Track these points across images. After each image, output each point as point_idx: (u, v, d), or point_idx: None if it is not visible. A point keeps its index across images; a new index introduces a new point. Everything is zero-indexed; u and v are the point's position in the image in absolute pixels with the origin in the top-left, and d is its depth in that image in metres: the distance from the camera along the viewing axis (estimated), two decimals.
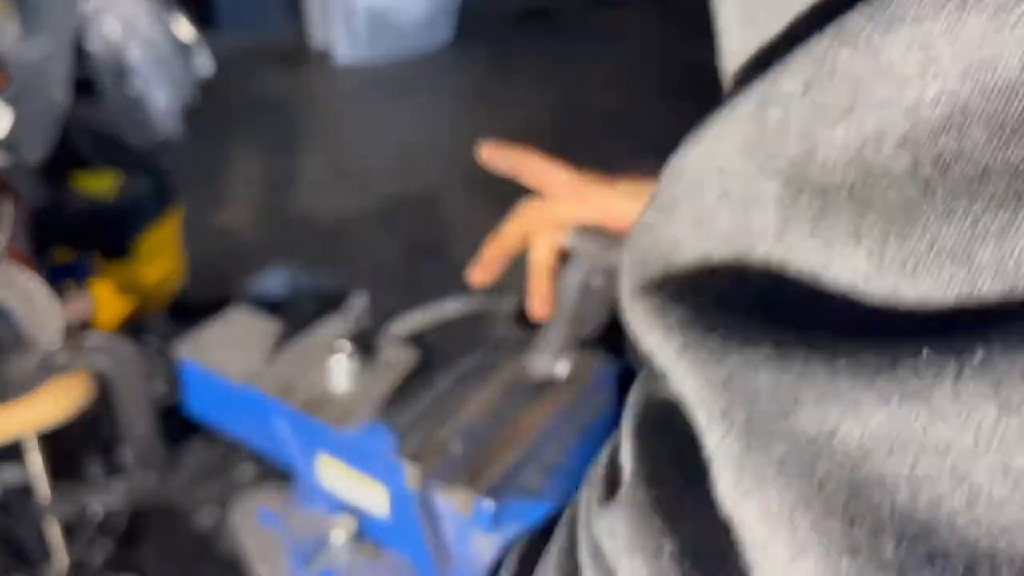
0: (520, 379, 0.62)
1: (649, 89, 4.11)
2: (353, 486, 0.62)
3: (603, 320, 0.65)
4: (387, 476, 0.59)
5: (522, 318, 0.67)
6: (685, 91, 4.06)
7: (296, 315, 1.71)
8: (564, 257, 0.65)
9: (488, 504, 0.53)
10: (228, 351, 0.66)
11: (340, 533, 0.63)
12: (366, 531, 0.64)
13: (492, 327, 0.69)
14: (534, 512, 0.57)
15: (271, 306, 1.74)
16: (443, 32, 4.40)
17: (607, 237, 0.62)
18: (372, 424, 0.58)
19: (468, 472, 0.54)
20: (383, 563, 0.65)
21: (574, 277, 0.63)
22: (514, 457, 0.56)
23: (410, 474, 0.54)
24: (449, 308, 0.65)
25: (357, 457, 0.60)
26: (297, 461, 0.64)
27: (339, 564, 0.64)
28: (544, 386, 0.62)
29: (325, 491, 0.65)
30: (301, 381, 0.61)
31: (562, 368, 0.62)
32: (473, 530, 0.60)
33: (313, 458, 0.63)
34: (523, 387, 0.62)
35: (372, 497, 0.62)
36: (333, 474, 0.63)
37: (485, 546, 0.61)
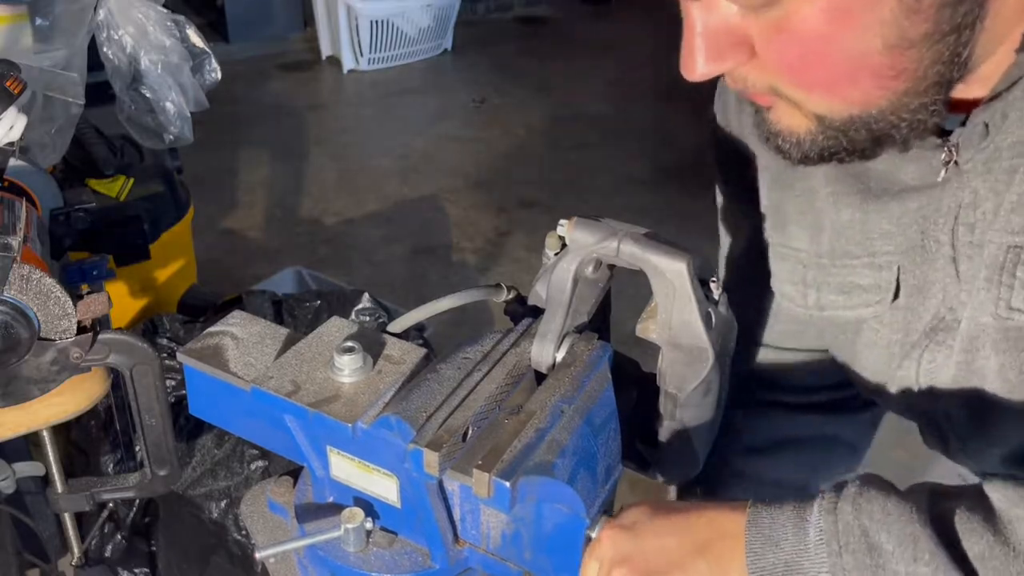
0: (523, 367, 0.65)
1: (641, 95, 4.13)
2: (363, 478, 0.64)
3: (596, 307, 0.68)
4: (397, 466, 0.61)
5: (517, 310, 0.70)
6: (675, 97, 4.08)
7: (303, 313, 1.74)
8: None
9: (506, 485, 0.55)
10: (232, 354, 0.68)
11: (351, 523, 0.64)
12: (377, 520, 0.66)
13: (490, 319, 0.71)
14: (546, 490, 0.60)
15: (279, 304, 1.77)
16: (444, 41, 4.44)
17: (600, 228, 0.65)
18: (382, 418, 0.60)
19: (483, 456, 0.56)
20: (395, 551, 0.67)
21: (568, 268, 0.66)
22: (524, 440, 0.58)
23: (428, 461, 0.56)
24: (447, 301, 0.68)
25: (367, 450, 0.62)
26: (308, 458, 0.66)
27: (350, 554, 0.66)
28: (546, 372, 0.65)
29: (335, 484, 0.67)
30: (309, 379, 0.62)
31: (561, 354, 0.65)
32: (485, 511, 0.63)
33: (324, 454, 0.65)
34: (526, 374, 0.65)
35: (382, 487, 0.64)
36: (344, 467, 0.65)
37: (494, 525, 0.64)
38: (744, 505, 0.62)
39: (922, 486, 0.61)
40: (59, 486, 1.07)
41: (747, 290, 0.81)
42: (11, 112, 1.01)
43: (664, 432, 0.72)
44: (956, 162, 0.62)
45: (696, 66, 0.57)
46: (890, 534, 0.57)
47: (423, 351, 0.66)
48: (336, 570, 0.68)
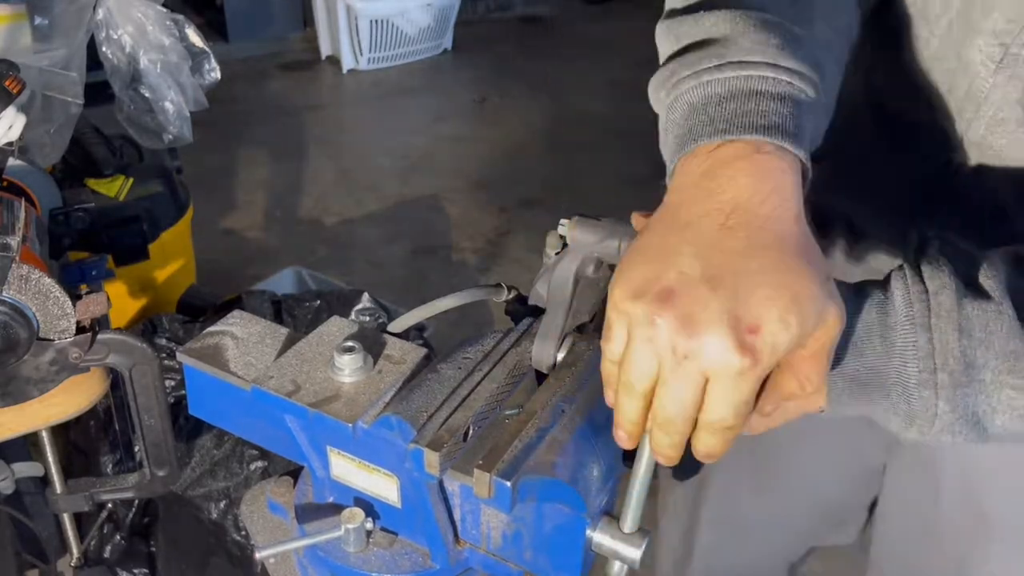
0: (524, 366, 0.65)
1: (641, 95, 4.10)
2: (364, 478, 0.64)
3: (596, 307, 0.68)
4: (398, 466, 0.61)
5: (517, 310, 0.70)
6: None
7: (303, 313, 1.74)
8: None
9: (507, 484, 0.55)
10: (232, 354, 0.67)
11: (351, 524, 0.64)
12: (377, 520, 0.66)
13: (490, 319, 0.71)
14: (546, 490, 0.60)
15: (279, 304, 1.77)
16: (444, 40, 4.44)
17: (601, 228, 0.65)
18: (383, 418, 0.60)
19: (484, 456, 0.56)
20: (395, 551, 0.67)
21: (569, 267, 0.66)
22: (525, 439, 0.58)
23: (429, 461, 0.56)
24: (448, 301, 0.67)
25: (368, 450, 0.62)
26: (308, 458, 0.66)
27: (350, 554, 0.66)
28: (546, 372, 0.65)
29: (336, 484, 0.67)
30: (309, 379, 0.62)
31: (562, 354, 0.65)
32: (485, 511, 0.63)
33: (324, 454, 0.65)
34: (527, 374, 0.65)
35: (383, 487, 0.64)
36: (344, 467, 0.65)
37: (495, 525, 0.63)
38: None
39: (1005, 256, 0.57)
40: (58, 486, 1.07)
41: None
42: (10, 112, 1.01)
43: None
44: None
45: None
46: (990, 350, 0.55)
47: (423, 351, 0.65)
48: (336, 570, 0.68)
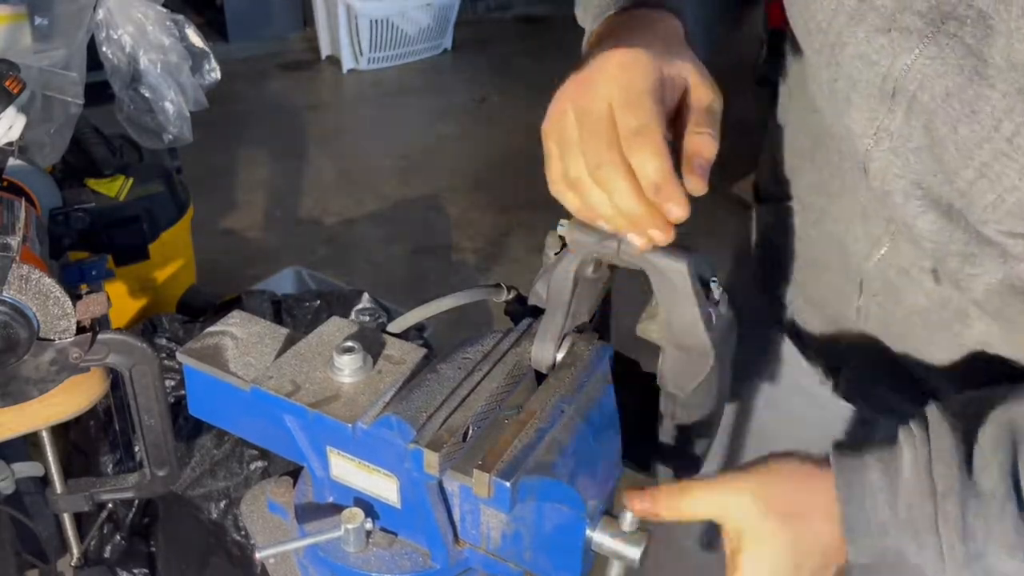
0: (523, 367, 0.65)
1: None
2: (363, 478, 0.64)
3: (595, 307, 0.68)
4: (397, 466, 0.61)
5: (517, 310, 0.70)
6: None
7: (303, 313, 1.74)
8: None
9: (506, 485, 0.55)
10: (232, 354, 0.67)
11: (351, 524, 0.64)
12: (377, 521, 0.66)
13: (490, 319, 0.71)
14: (546, 490, 0.60)
15: (279, 304, 1.77)
16: (444, 40, 4.45)
17: (600, 229, 0.65)
18: (382, 418, 0.60)
19: (483, 456, 0.56)
20: (395, 551, 0.67)
21: (569, 267, 0.66)
22: (524, 440, 0.58)
23: (429, 461, 0.56)
24: (448, 301, 0.68)
25: (367, 450, 0.62)
26: (307, 458, 0.66)
27: (349, 554, 0.66)
28: (546, 372, 0.66)
29: (335, 484, 0.67)
30: (308, 379, 0.62)
31: (561, 355, 0.65)
32: (485, 511, 0.63)
33: (323, 454, 0.65)
34: (526, 374, 0.65)
35: (382, 487, 0.64)
36: (343, 467, 0.65)
37: (494, 526, 0.64)
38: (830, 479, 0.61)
39: (1002, 430, 0.59)
40: (58, 486, 1.07)
41: None
42: (10, 112, 1.01)
43: (665, 432, 0.72)
44: None
45: None
46: (992, 544, 0.58)
47: (423, 351, 0.65)
48: (336, 570, 0.68)
